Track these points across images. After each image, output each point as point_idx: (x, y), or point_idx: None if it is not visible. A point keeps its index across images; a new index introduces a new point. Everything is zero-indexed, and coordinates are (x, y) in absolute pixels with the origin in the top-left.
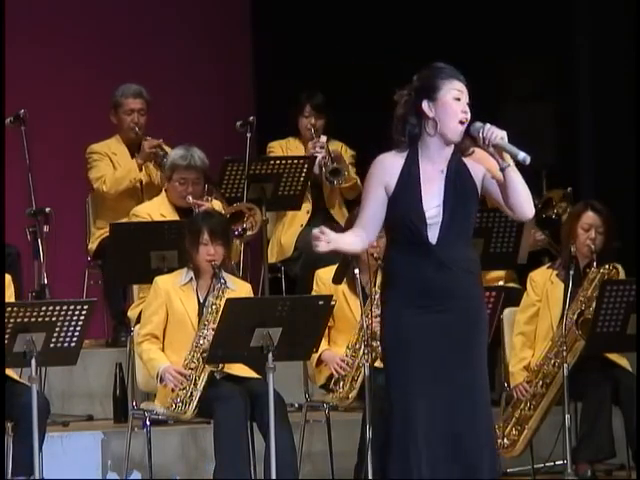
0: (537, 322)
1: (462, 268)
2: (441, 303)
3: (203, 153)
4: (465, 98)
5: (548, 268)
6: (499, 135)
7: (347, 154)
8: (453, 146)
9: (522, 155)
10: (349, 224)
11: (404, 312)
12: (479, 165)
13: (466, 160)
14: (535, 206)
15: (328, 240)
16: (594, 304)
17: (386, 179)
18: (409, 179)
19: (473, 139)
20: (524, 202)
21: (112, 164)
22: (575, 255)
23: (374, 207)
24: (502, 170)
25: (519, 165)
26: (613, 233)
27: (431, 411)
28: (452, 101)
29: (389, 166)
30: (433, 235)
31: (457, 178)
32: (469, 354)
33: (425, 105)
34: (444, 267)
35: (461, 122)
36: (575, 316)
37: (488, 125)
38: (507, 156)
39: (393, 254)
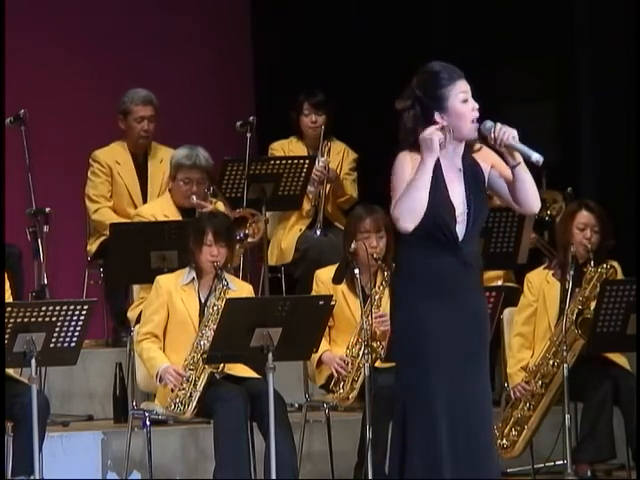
0: (535, 323)
1: (477, 265)
2: (462, 300)
3: (207, 153)
4: (470, 94)
5: (544, 269)
6: (511, 135)
7: (349, 158)
8: (464, 143)
9: (535, 156)
10: (348, 228)
11: (426, 310)
12: (486, 161)
13: (475, 155)
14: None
15: None
16: (593, 303)
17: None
18: (435, 178)
19: (484, 138)
20: (532, 198)
21: (112, 177)
22: (575, 255)
23: None
24: (512, 168)
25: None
26: (608, 231)
27: (451, 410)
28: (461, 105)
29: (417, 162)
30: (460, 231)
31: (472, 174)
32: (483, 354)
33: (437, 116)
34: (467, 264)
35: (473, 121)
36: (574, 316)
37: (499, 125)
38: (517, 154)
39: (413, 252)
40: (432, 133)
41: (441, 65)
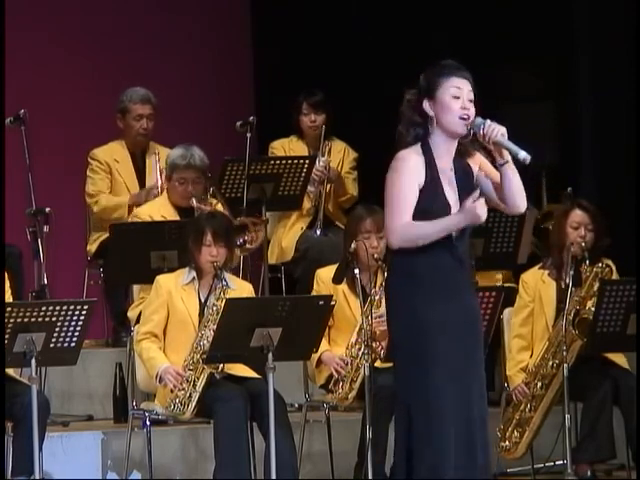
0: (532, 323)
1: (469, 264)
2: (459, 298)
3: (203, 152)
4: (466, 94)
5: (539, 268)
6: (500, 132)
7: (350, 157)
8: (457, 142)
9: (523, 154)
10: (349, 228)
11: (426, 310)
12: (474, 162)
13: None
14: (535, 218)
15: None
16: (589, 303)
17: (417, 176)
18: (432, 176)
19: (473, 134)
20: (518, 197)
21: (111, 175)
22: (575, 255)
23: (413, 200)
24: (500, 166)
25: (516, 162)
26: (602, 230)
27: (453, 408)
28: (449, 99)
29: (417, 163)
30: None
31: (463, 174)
32: (480, 352)
33: (426, 104)
34: (462, 262)
35: (461, 118)
36: (571, 316)
37: (489, 121)
38: (506, 153)
39: (412, 251)
40: (484, 214)
41: (451, 61)
